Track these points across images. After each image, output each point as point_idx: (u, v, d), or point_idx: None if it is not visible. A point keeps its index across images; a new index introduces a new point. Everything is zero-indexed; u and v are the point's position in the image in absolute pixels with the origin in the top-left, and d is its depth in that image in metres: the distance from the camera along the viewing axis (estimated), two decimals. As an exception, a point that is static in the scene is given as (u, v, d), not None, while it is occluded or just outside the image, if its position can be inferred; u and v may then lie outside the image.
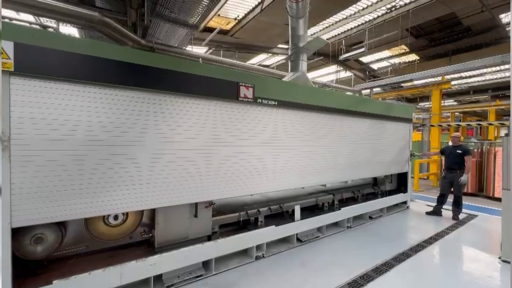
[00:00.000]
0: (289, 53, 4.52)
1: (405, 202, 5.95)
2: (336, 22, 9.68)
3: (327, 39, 11.60)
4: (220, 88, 2.91)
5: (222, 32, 10.01)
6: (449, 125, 10.40)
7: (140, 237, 2.92)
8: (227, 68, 3.12)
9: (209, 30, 9.04)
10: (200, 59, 5.67)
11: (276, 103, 3.40)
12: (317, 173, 4.01)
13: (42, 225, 2.30)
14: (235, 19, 9.15)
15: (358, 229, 4.55)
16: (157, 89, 2.51)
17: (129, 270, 2.44)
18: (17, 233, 2.18)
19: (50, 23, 4.69)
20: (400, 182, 6.06)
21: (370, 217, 5.04)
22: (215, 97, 2.89)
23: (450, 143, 5.58)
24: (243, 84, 3.09)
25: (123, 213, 2.65)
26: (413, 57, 12.83)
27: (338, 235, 4.25)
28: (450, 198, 5.37)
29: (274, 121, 3.44)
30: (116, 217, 2.60)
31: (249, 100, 3.15)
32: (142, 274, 2.52)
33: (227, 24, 9.58)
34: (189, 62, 2.81)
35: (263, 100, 3.27)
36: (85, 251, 2.72)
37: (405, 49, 12.17)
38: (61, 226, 2.42)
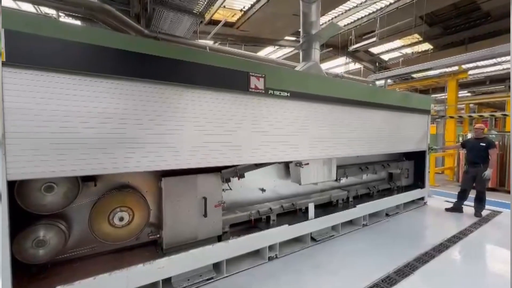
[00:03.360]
0: (301, 42, 4.25)
1: (422, 198, 5.67)
2: (346, 11, 9.26)
3: (335, 29, 11.21)
4: (228, 78, 2.70)
5: (228, 24, 9.74)
6: (460, 117, 9.95)
7: (147, 238, 2.78)
8: (236, 58, 2.90)
9: (215, 23, 8.79)
10: (207, 47, 5.42)
11: (288, 94, 3.17)
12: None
13: (44, 228, 2.17)
14: (241, 10, 8.86)
15: (375, 227, 4.32)
16: (158, 79, 2.31)
17: (136, 273, 2.30)
18: (18, 236, 2.06)
19: (52, 15, 4.54)
20: (417, 177, 5.76)
21: (387, 214, 4.80)
22: (223, 88, 2.67)
23: (469, 135, 5.24)
24: (254, 74, 2.87)
25: (128, 214, 2.50)
26: (426, 46, 12.28)
27: (353, 234, 4.03)
28: (471, 194, 5.07)
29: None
30: (121, 218, 2.44)
31: (260, 91, 2.93)
32: (150, 278, 2.37)
33: (233, 16, 9.31)
34: (194, 50, 2.61)
35: (274, 92, 3.05)
36: (91, 253, 2.60)
37: (418, 38, 11.65)
38: (64, 227, 2.28)
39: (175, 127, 2.43)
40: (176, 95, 2.42)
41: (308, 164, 3.69)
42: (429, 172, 5.93)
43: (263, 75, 2.94)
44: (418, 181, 5.73)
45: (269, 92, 3.00)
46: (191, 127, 2.52)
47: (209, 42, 6.27)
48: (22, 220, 2.15)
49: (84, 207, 2.48)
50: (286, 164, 3.95)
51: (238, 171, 3.14)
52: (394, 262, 3.14)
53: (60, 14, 4.02)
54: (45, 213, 2.16)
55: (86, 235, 2.50)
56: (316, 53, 4.27)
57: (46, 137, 1.91)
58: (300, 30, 4.30)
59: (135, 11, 4.31)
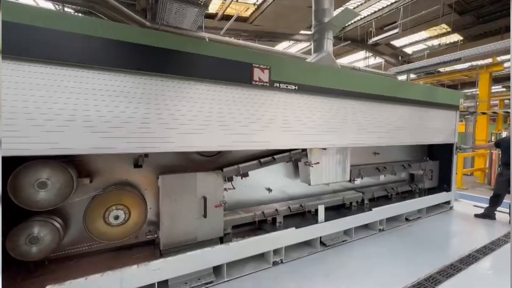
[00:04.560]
0: (312, 31, 3.95)
1: (448, 202, 5.17)
2: (365, 1, 8.73)
3: (354, 22, 10.64)
4: (229, 70, 2.51)
5: (241, 19, 9.57)
6: (494, 113, 9.05)
7: (145, 237, 2.68)
8: (238, 48, 2.70)
9: (228, 18, 8.64)
10: (207, 38, 5.25)
11: (296, 87, 2.93)
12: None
13: (38, 224, 2.13)
14: (254, 4, 8.64)
15: (393, 233, 3.96)
16: (152, 72, 2.17)
17: (130, 275, 2.19)
18: (11, 233, 2.03)
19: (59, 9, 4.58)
20: (442, 179, 5.27)
21: (407, 219, 4.41)
22: (223, 80, 2.49)
23: (504, 134, 4.68)
24: (257, 65, 2.66)
25: (124, 213, 2.41)
26: (455, 37, 11.36)
27: (368, 239, 3.72)
28: (506, 199, 4.53)
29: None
30: (116, 217, 2.36)
31: (264, 84, 2.72)
32: (145, 280, 2.26)
33: (246, 10, 9.11)
34: (193, 40, 2.44)
35: (280, 84, 2.82)
36: (89, 251, 2.55)
37: (446, 29, 10.79)
38: (58, 224, 2.23)
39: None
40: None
41: (318, 163, 3.43)
42: (456, 173, 5.42)
43: (268, 67, 2.72)
44: (444, 184, 5.24)
45: (275, 85, 2.78)
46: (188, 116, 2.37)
47: (211, 35, 6.02)
48: (18, 216, 2.12)
49: (82, 204, 2.42)
50: (295, 163, 3.71)
51: (241, 169, 2.96)
52: (413, 273, 2.81)
53: (60, 7, 4.02)
54: (39, 210, 2.11)
55: (84, 232, 2.44)
56: (329, 44, 3.95)
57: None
58: (312, 19, 4.01)
59: (141, 6, 4.25)
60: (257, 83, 2.67)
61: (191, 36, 4.70)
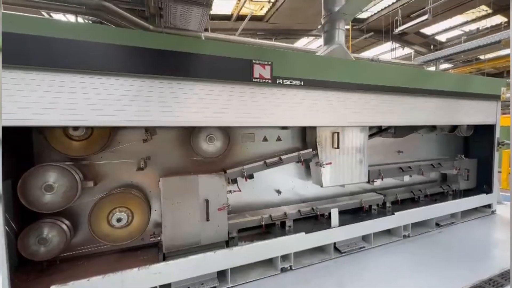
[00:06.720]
0: (322, 22, 3.69)
1: (489, 206, 4.55)
2: (388, -12, 8.12)
3: (378, 11, 9.98)
4: (228, 68, 2.41)
5: (257, 18, 9.48)
6: None
7: (149, 240, 2.69)
8: (236, 45, 2.60)
9: (244, 18, 8.61)
10: (203, 36, 5.18)
11: (302, 83, 2.74)
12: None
13: (46, 226, 2.22)
14: (269, 1, 8.49)
15: (420, 240, 3.56)
16: (147, 73, 2.14)
17: (131, 278, 2.20)
18: (22, 234, 2.14)
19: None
20: (482, 179, 4.65)
21: (437, 224, 3.95)
22: (221, 79, 2.40)
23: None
24: (258, 61, 2.53)
25: (127, 215, 2.43)
26: (497, 19, 10.11)
27: (390, 247, 3.38)
28: None
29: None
30: (119, 219, 2.38)
31: (266, 81, 2.57)
32: (146, 283, 2.25)
33: (261, 8, 8.99)
34: (188, 39, 2.38)
35: (284, 81, 2.65)
36: (98, 252, 2.62)
37: (486, 10, 9.65)
38: (66, 226, 2.32)
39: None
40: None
41: (330, 163, 3.20)
42: (499, 172, 4.76)
43: (269, 62, 2.58)
44: (483, 184, 4.62)
45: (277, 82, 2.63)
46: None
47: (208, 33, 5.90)
48: (29, 218, 2.24)
49: (88, 206, 2.49)
50: (307, 163, 3.50)
51: (245, 171, 2.85)
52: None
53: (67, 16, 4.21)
54: (47, 212, 2.20)
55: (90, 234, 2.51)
56: (340, 34, 3.65)
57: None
58: (322, 8, 3.75)
59: (151, 12, 4.35)
60: (258, 80, 2.54)
61: (185, 35, 4.58)
